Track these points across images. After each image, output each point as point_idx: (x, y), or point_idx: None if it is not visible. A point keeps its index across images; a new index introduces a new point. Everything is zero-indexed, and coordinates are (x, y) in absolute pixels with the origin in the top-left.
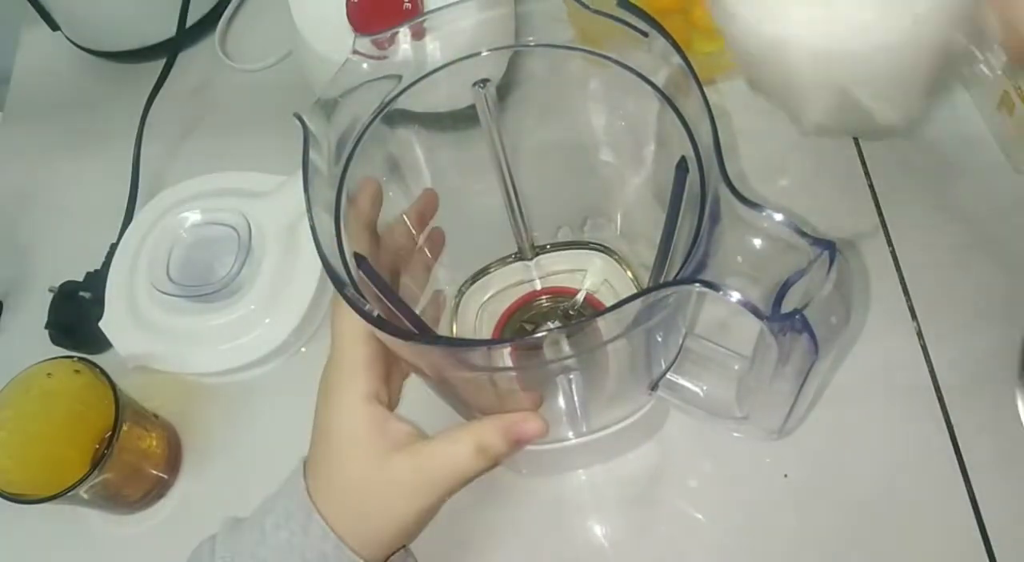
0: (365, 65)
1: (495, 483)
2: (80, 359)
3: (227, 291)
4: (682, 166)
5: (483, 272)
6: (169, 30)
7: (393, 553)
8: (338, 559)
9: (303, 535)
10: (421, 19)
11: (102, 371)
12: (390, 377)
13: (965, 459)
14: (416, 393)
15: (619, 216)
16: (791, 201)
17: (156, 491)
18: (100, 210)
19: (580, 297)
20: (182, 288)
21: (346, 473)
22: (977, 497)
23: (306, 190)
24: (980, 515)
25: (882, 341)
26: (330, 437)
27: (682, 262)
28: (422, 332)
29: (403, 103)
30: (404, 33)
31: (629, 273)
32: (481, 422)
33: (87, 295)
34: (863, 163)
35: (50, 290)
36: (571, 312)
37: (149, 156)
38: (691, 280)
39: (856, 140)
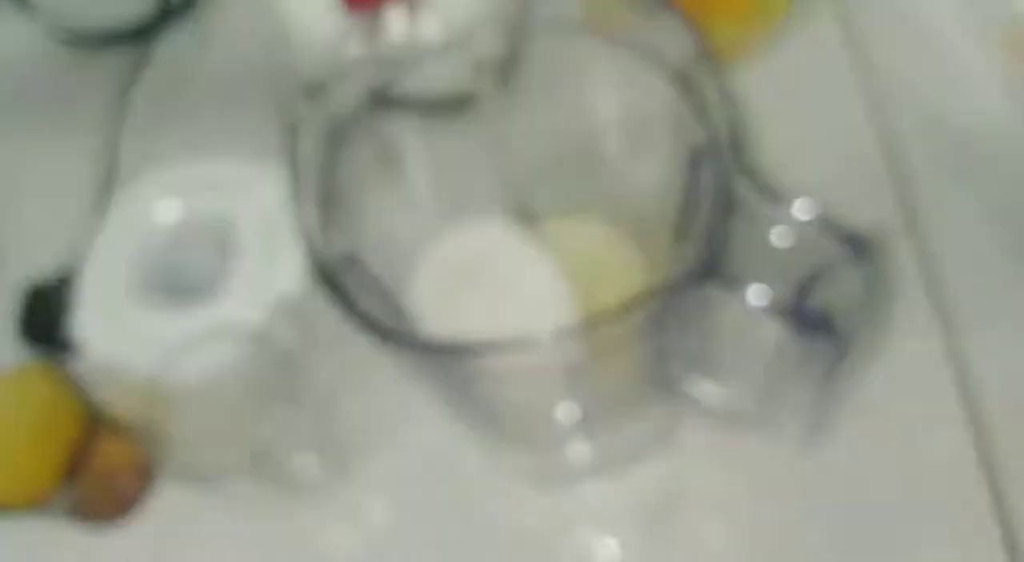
0: (356, 46)
1: (493, 490)
2: (51, 364)
3: (210, 291)
4: (697, 155)
5: None
6: (148, 10)
7: None
8: None
9: None
10: None
11: (75, 377)
12: None
13: (996, 472)
14: (413, 396)
15: (629, 207)
16: (814, 193)
17: (134, 503)
18: (74, 203)
19: None
20: (159, 286)
21: None
22: (1008, 514)
23: (295, 187)
24: (1012, 533)
25: (910, 345)
26: None
27: (696, 259)
28: (421, 332)
29: (397, 87)
30: (399, 11)
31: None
32: None
33: (59, 295)
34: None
35: (19, 290)
36: None
37: (127, 145)
38: (706, 278)
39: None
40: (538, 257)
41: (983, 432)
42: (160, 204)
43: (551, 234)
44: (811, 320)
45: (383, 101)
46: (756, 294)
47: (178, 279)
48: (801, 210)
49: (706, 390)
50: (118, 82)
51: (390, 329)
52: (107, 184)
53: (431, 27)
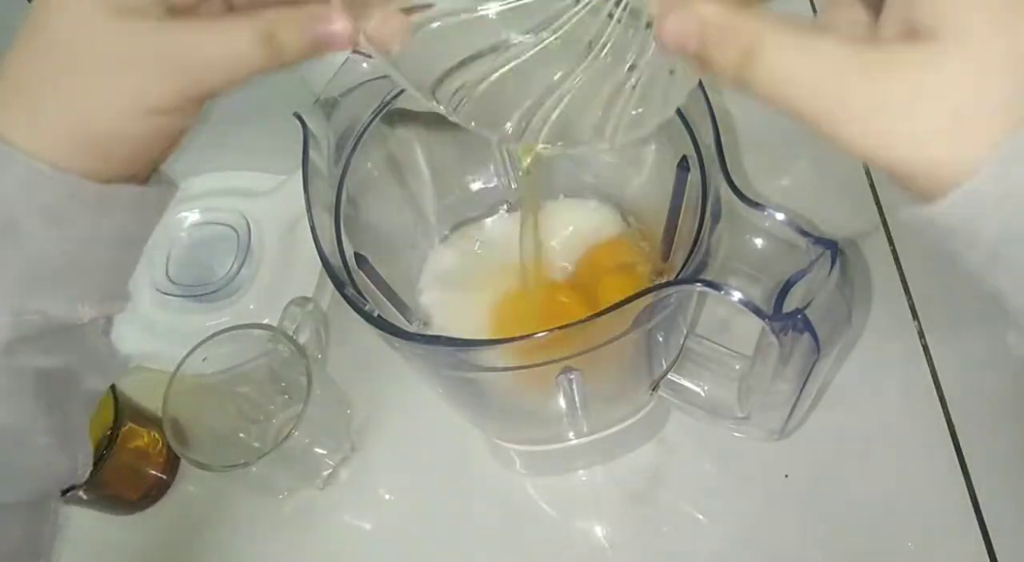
0: (365, 64)
1: (494, 483)
2: None
3: (227, 291)
4: (683, 165)
5: None
6: None
7: (128, 175)
8: (6, 166)
9: None
10: None
11: None
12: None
13: (966, 458)
14: (416, 393)
15: (621, 213)
16: (792, 200)
17: (155, 492)
18: None
19: None
20: (182, 288)
21: (35, 37)
22: (978, 495)
23: (306, 190)
24: (981, 513)
25: (883, 341)
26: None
27: (683, 261)
28: (421, 332)
29: (403, 103)
30: None
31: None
32: (271, 8)
33: None
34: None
35: None
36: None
37: None
38: (692, 279)
39: None
40: (535, 259)
41: (955, 423)
42: (183, 211)
43: (550, 210)
44: (789, 318)
45: (390, 116)
46: (738, 295)
47: (200, 281)
48: (780, 216)
49: (690, 385)
50: None
51: (396, 327)
52: None
53: None
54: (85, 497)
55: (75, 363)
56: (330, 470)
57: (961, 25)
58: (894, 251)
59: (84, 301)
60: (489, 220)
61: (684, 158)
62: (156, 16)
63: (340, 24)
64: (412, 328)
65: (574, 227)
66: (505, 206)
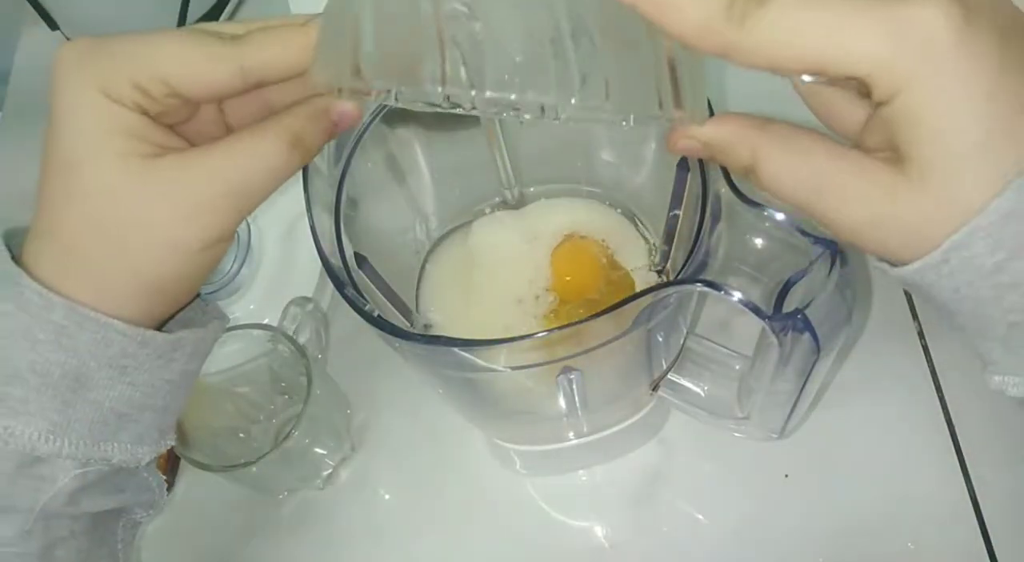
0: None
1: (494, 483)
2: None
3: (226, 291)
4: (683, 165)
5: None
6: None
7: (176, 310)
8: (80, 326)
9: (17, 313)
10: None
11: None
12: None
13: (966, 457)
14: (417, 393)
15: (621, 212)
16: None
17: None
18: None
19: None
20: None
21: (75, 200)
22: (978, 495)
23: (306, 190)
24: (981, 513)
25: (883, 341)
26: (52, 160)
27: (683, 262)
28: (422, 332)
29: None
30: None
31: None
32: (286, 112)
33: None
34: None
35: None
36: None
37: None
38: (692, 280)
39: None
40: (534, 256)
41: (955, 423)
42: None
43: (548, 210)
44: (789, 318)
45: (390, 116)
46: (738, 295)
47: None
48: (780, 215)
49: (690, 385)
50: None
51: (396, 327)
52: None
53: None
54: None
55: (127, 500)
56: (330, 470)
57: (928, 158)
58: None
59: (143, 443)
60: (489, 219)
61: (684, 158)
62: (177, 147)
63: (349, 104)
64: (412, 328)
65: (572, 226)
66: (505, 205)
